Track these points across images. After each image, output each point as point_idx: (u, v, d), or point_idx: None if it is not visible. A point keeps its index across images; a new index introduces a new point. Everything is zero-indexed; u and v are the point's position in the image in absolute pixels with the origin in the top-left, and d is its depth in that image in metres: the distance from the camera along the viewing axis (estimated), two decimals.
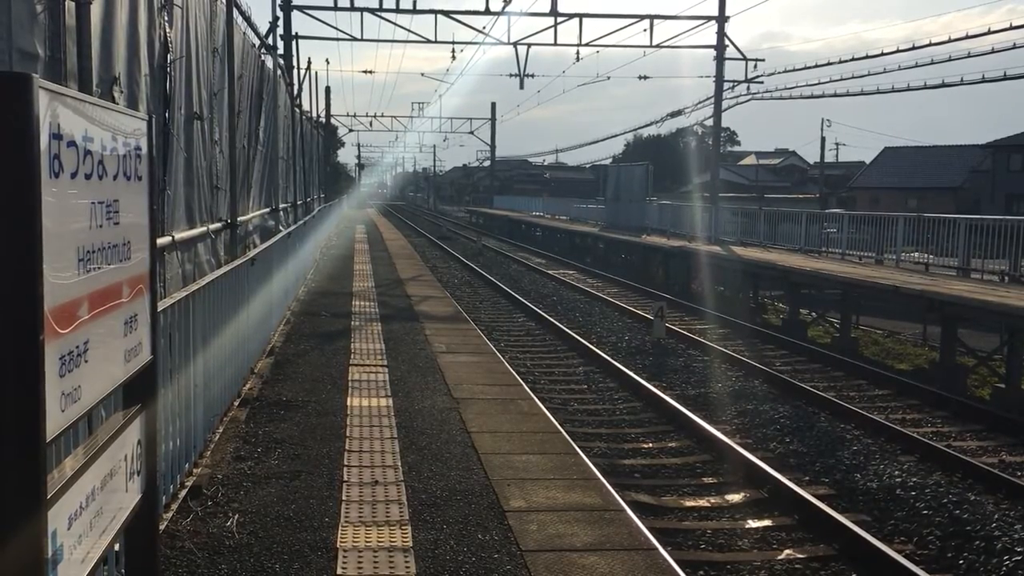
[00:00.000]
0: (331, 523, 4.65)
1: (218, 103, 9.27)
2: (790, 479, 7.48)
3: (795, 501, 6.99)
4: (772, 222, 24.16)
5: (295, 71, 24.66)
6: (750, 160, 79.30)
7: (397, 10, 26.26)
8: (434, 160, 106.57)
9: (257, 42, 13.41)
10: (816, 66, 28.86)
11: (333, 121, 50.25)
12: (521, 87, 32.19)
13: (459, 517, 4.79)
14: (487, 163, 78.81)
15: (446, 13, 27.69)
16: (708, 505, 7.20)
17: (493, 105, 69.10)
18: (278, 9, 23.43)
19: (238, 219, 9.92)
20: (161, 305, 4.30)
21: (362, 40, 28.01)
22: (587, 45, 29.27)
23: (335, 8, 26.21)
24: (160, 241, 6.14)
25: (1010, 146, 46.18)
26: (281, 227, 14.76)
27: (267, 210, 14.36)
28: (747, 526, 6.74)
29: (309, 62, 28.65)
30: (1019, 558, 6.18)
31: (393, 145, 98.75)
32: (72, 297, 2.09)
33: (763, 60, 28.26)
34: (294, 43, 26.18)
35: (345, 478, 5.36)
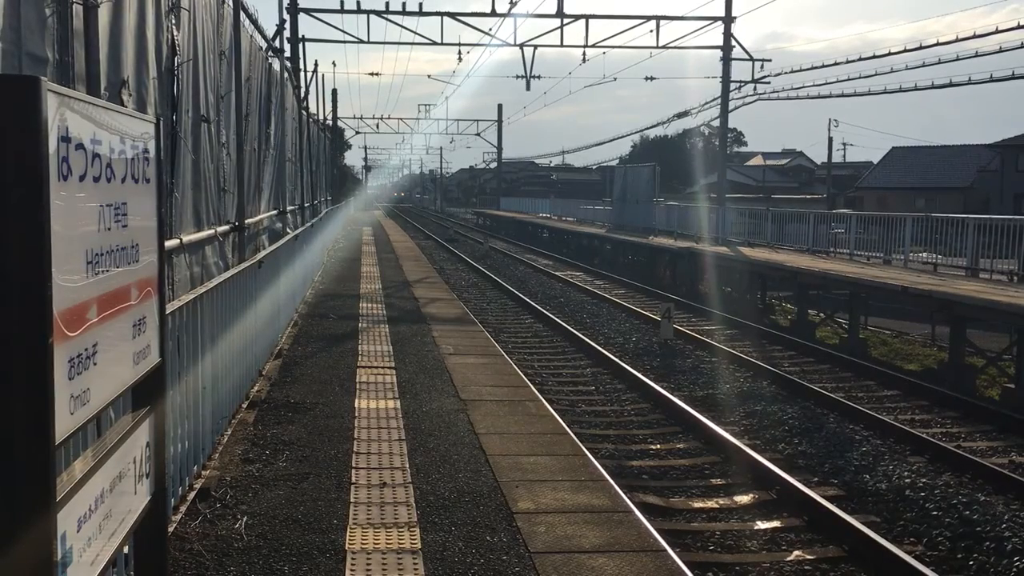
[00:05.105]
0: (339, 525, 4.65)
1: (225, 106, 9.29)
2: (799, 480, 7.46)
3: (804, 502, 6.97)
4: (779, 223, 24.11)
5: (302, 74, 24.73)
6: (757, 161, 79.13)
7: (403, 12, 26.31)
8: (440, 162, 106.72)
9: (264, 45, 13.44)
10: (823, 66, 28.66)
11: (340, 123, 50.37)
12: (527, 89, 32.30)
13: (467, 519, 4.79)
14: (494, 165, 78.78)
15: (452, 15, 27.71)
16: (717, 506, 7.18)
17: (500, 107, 69.07)
18: (285, 12, 23.47)
19: (246, 221, 9.94)
20: (169, 308, 4.30)
21: (368, 42, 28.04)
22: (593, 46, 29.23)
23: (342, 11, 26.26)
24: (168, 244, 6.15)
25: (1018, 145, 45.97)
26: (289, 229, 14.77)
27: (275, 212, 14.38)
28: (756, 527, 6.72)
29: (316, 64, 28.86)
30: None
31: (399, 147, 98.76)
32: (81, 300, 2.09)
33: (770, 60, 28.23)
34: (301, 46, 26.26)
35: (353, 480, 5.36)
